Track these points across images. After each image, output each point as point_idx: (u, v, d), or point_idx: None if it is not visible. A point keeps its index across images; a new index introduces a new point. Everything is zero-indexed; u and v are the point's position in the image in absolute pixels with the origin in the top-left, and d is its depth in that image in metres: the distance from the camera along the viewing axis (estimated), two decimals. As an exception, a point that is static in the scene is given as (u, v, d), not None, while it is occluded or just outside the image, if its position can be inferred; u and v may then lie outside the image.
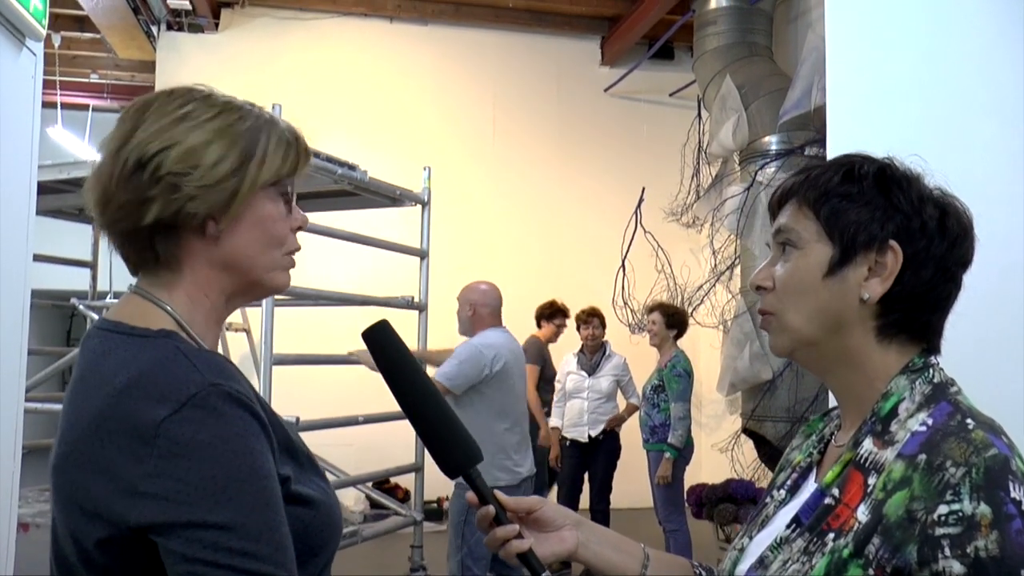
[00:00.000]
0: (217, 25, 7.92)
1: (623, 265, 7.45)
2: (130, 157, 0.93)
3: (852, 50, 2.30)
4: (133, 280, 1.02)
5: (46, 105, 4.10)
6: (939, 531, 0.80)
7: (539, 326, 6.07)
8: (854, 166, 0.97)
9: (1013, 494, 0.80)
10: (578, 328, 5.73)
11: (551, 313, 6.01)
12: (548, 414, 5.75)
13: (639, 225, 7.48)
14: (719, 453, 6.91)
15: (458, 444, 1.00)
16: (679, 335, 5.24)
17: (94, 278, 5.49)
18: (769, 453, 6.08)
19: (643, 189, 7.51)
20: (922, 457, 0.85)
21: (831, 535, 0.88)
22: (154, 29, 7.73)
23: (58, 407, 2.86)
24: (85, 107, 8.79)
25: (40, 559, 1.06)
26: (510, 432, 3.72)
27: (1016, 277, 1.90)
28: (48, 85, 5.72)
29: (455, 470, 0.99)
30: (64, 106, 8.05)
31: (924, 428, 0.88)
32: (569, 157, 8.28)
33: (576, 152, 8.30)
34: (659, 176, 7.74)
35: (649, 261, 7.43)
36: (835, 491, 0.91)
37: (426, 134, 7.84)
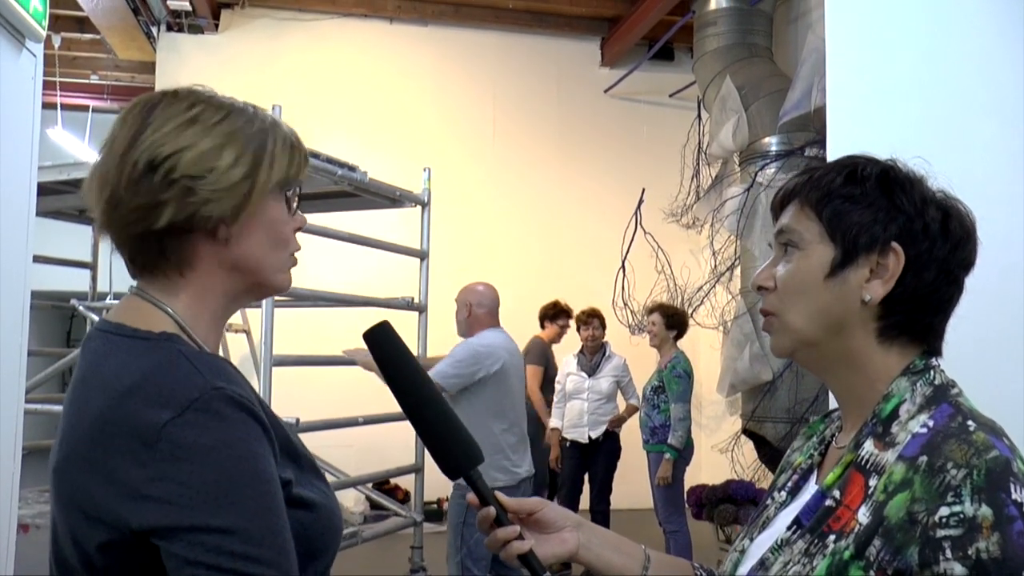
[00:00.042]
0: (217, 26, 7.92)
1: (623, 266, 7.45)
2: (140, 160, 0.92)
3: (852, 51, 2.30)
4: (132, 281, 1.02)
5: (46, 106, 4.10)
6: (940, 533, 0.80)
7: (542, 327, 6.08)
8: (857, 167, 0.97)
9: (1014, 496, 0.80)
10: (578, 329, 5.74)
11: (554, 314, 6.02)
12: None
13: (639, 226, 7.48)
14: (719, 454, 6.91)
15: (459, 445, 0.99)
16: (679, 336, 5.24)
17: (94, 279, 5.48)
18: (769, 454, 6.08)
19: (643, 190, 7.51)
20: (923, 459, 0.85)
21: (832, 537, 0.88)
22: (154, 30, 7.73)
23: (58, 408, 2.86)
24: (85, 108, 8.79)
25: (40, 559, 1.06)
26: (508, 432, 3.73)
27: (1016, 277, 1.90)
28: (48, 86, 5.72)
29: (456, 471, 0.99)
30: (64, 107, 8.05)
31: (925, 430, 0.88)
32: (569, 158, 8.28)
33: (576, 153, 8.31)
34: (659, 177, 7.74)
35: (649, 262, 7.43)
36: (836, 493, 0.91)
37: (426, 135, 7.84)
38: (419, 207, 4.82)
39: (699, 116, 7.84)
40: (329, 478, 1.23)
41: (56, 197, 4.21)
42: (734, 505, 5.15)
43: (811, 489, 0.99)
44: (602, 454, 5.56)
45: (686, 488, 5.18)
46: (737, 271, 6.76)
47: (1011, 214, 1.94)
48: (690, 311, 6.70)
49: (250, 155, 0.97)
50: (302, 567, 0.89)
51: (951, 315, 0.96)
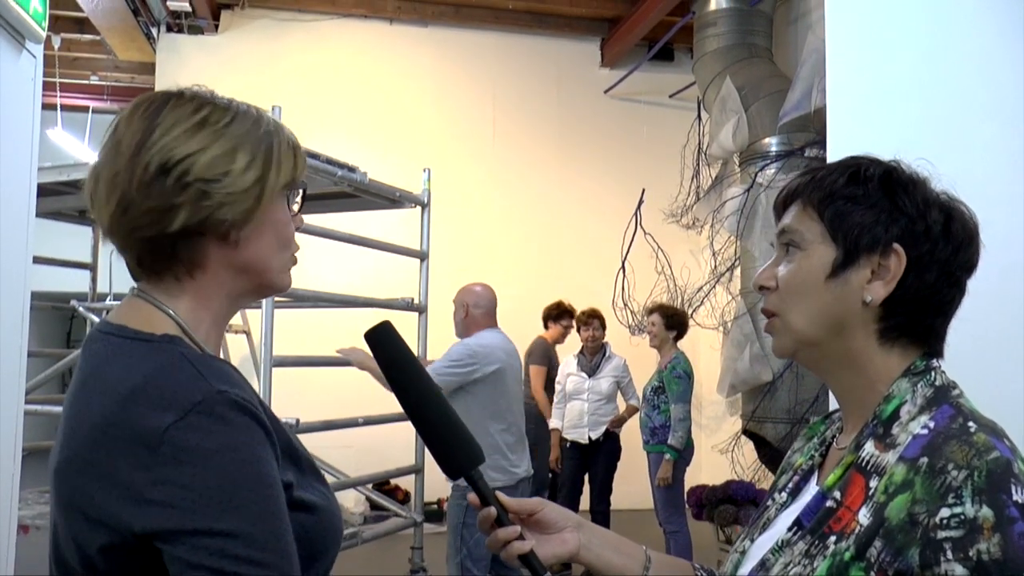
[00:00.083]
0: (217, 27, 7.92)
1: (623, 266, 7.45)
2: (152, 162, 0.92)
3: (852, 51, 2.30)
4: (132, 282, 1.01)
5: (46, 107, 4.10)
6: (941, 534, 0.80)
7: (546, 327, 6.08)
8: (860, 168, 0.97)
9: (1015, 497, 0.80)
10: (578, 330, 5.75)
11: (558, 314, 6.03)
12: (554, 415, 5.77)
13: (639, 226, 7.48)
14: (719, 454, 6.91)
15: (460, 445, 0.99)
16: (679, 336, 5.24)
17: (94, 280, 5.49)
18: (769, 454, 6.08)
19: (643, 190, 7.51)
20: (924, 460, 0.85)
21: (833, 538, 0.88)
22: (154, 31, 7.73)
23: (58, 409, 2.86)
24: (85, 109, 8.79)
25: (40, 560, 1.06)
26: (506, 432, 3.73)
27: (1016, 277, 1.91)
28: (48, 87, 5.73)
29: (457, 471, 0.99)
30: (64, 108, 8.06)
31: (926, 431, 0.88)
32: (569, 159, 8.28)
33: (576, 153, 8.31)
34: (659, 177, 7.74)
35: (649, 262, 7.43)
36: (836, 494, 0.91)
37: (426, 136, 7.84)
38: (419, 208, 4.82)
39: (699, 117, 7.84)
40: (329, 479, 1.23)
41: (56, 198, 4.21)
42: (734, 506, 5.15)
43: (812, 490, 0.99)
44: (602, 455, 5.56)
45: (686, 489, 5.18)
46: (737, 272, 6.76)
47: (1011, 214, 1.94)
48: (690, 312, 6.70)
49: (261, 158, 0.97)
50: (303, 569, 0.89)
51: (953, 317, 0.96)
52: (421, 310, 4.70)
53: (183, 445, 0.83)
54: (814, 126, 5.76)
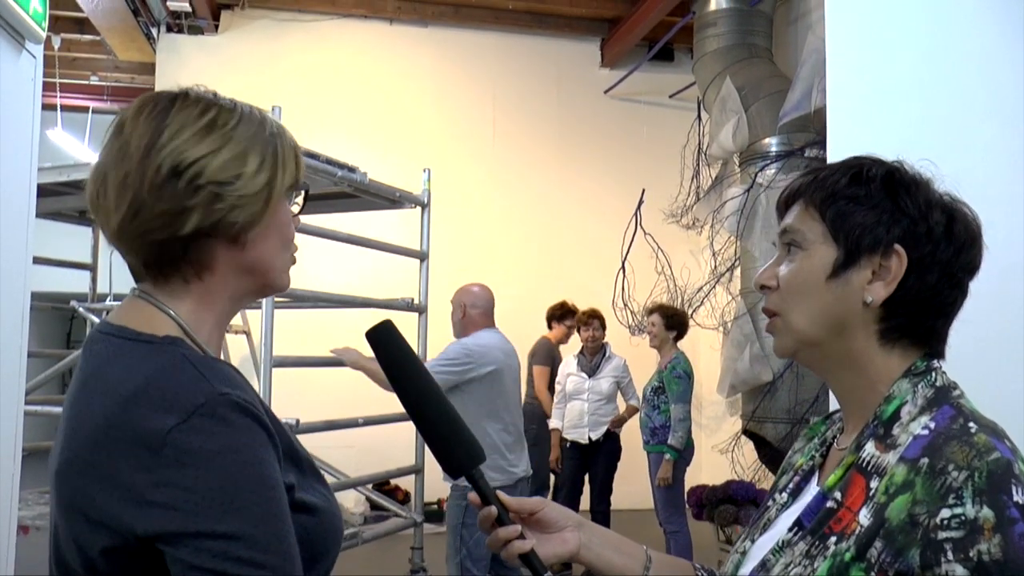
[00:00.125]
0: (217, 27, 7.92)
1: (623, 267, 7.45)
2: (164, 164, 0.92)
3: (852, 52, 2.30)
4: (132, 283, 1.01)
5: (46, 107, 4.10)
6: (942, 535, 0.80)
7: (550, 327, 6.09)
8: (862, 168, 0.96)
9: (1016, 498, 0.80)
10: (578, 330, 5.75)
11: (562, 314, 6.03)
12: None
13: (639, 227, 7.48)
14: (719, 454, 6.91)
15: (461, 444, 0.99)
16: (679, 337, 5.24)
17: (94, 280, 5.49)
18: (769, 454, 6.08)
19: (643, 191, 7.51)
20: (924, 461, 0.85)
21: (833, 539, 0.88)
22: (154, 31, 7.73)
23: (58, 409, 2.86)
24: (85, 109, 8.79)
25: (40, 560, 1.05)
26: (504, 432, 3.73)
27: (1016, 277, 1.91)
28: (48, 87, 5.72)
29: (458, 470, 0.99)
30: (64, 108, 8.05)
31: (926, 432, 0.88)
32: (569, 159, 8.28)
33: (576, 154, 8.31)
34: (659, 178, 7.74)
35: (649, 263, 7.43)
36: (837, 494, 0.91)
37: (426, 136, 7.84)
38: (419, 208, 4.82)
39: (699, 117, 7.84)
40: (329, 479, 1.23)
41: (56, 198, 4.21)
42: (734, 506, 5.15)
43: (812, 490, 0.99)
44: (602, 455, 5.56)
45: (686, 489, 5.19)
46: (737, 272, 6.76)
47: (1011, 215, 1.94)
48: (690, 312, 6.70)
49: (270, 160, 0.98)
50: (304, 571, 0.89)
51: (954, 319, 0.96)
52: (421, 310, 4.70)
53: (186, 447, 0.83)
54: (814, 126, 5.76)
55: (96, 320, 4.65)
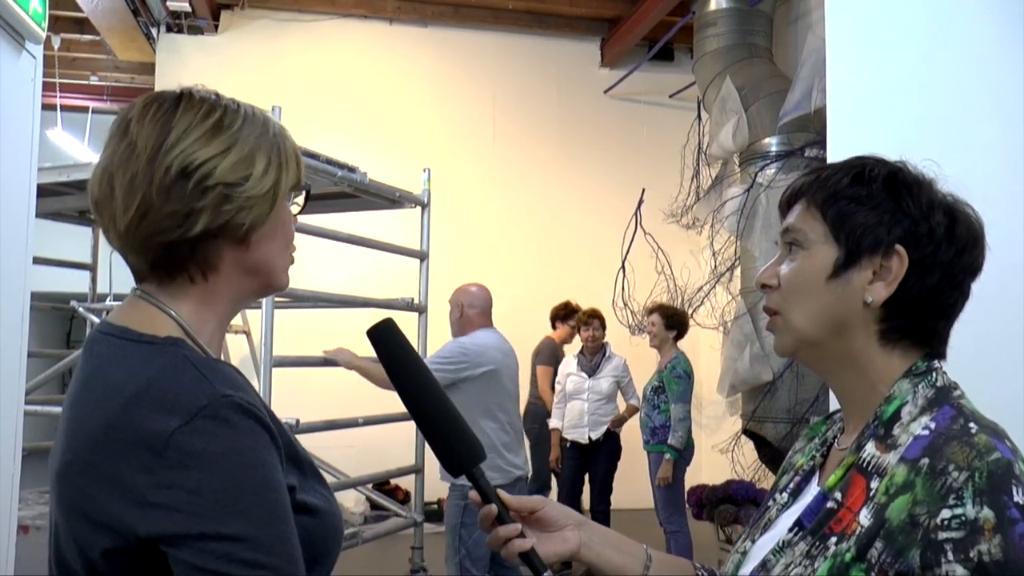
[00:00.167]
0: (217, 27, 7.92)
1: (623, 266, 7.45)
2: (172, 165, 0.92)
3: (852, 52, 2.30)
4: (132, 283, 1.01)
5: (46, 107, 4.10)
6: (942, 535, 0.80)
7: (553, 327, 6.09)
8: (864, 169, 0.96)
9: (1016, 498, 0.80)
10: (578, 330, 5.75)
11: (566, 314, 6.04)
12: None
13: (639, 227, 7.48)
14: (719, 454, 6.91)
15: (462, 443, 0.99)
16: (679, 336, 5.25)
17: (94, 280, 5.48)
18: (769, 454, 6.08)
19: (643, 191, 7.51)
20: (925, 461, 0.85)
21: (833, 539, 0.88)
22: (154, 31, 7.73)
23: (58, 409, 2.86)
24: (85, 109, 8.79)
25: (40, 560, 1.05)
26: (502, 431, 3.73)
27: (1016, 277, 1.90)
28: (48, 87, 5.73)
29: (459, 468, 0.99)
30: (64, 108, 8.05)
31: (927, 432, 0.88)
32: (569, 159, 8.28)
33: (576, 154, 8.31)
34: (659, 178, 7.74)
35: (649, 262, 7.43)
36: (837, 495, 0.91)
37: (426, 136, 7.84)
38: (419, 208, 4.82)
39: (699, 117, 7.84)
40: (329, 479, 1.23)
41: (56, 199, 4.20)
42: (734, 505, 5.15)
43: (813, 491, 0.99)
44: (602, 454, 5.56)
45: (686, 488, 5.19)
46: (737, 272, 6.76)
47: (1011, 215, 1.94)
48: (690, 312, 6.70)
49: (275, 162, 0.98)
50: (306, 572, 0.89)
51: (955, 320, 0.96)
52: (421, 310, 4.70)
53: (189, 450, 0.83)
54: (814, 126, 5.76)
55: (96, 320, 4.65)
